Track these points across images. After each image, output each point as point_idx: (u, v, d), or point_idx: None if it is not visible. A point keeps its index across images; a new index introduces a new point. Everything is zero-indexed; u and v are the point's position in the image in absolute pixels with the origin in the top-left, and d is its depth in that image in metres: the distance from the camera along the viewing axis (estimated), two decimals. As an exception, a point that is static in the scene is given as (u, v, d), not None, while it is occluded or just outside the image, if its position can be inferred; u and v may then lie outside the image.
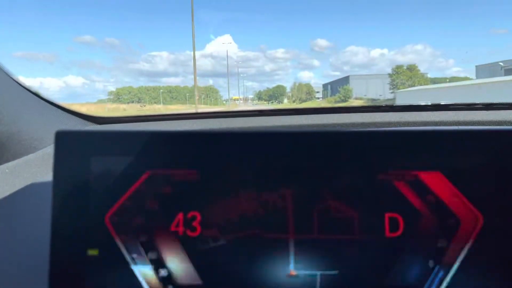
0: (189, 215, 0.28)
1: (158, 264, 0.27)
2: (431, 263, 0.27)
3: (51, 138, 0.50)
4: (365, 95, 40.35)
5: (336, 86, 46.31)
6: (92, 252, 0.27)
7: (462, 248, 0.27)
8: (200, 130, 0.48)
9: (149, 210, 0.28)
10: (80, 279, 0.27)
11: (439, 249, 0.27)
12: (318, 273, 0.27)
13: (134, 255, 0.27)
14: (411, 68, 35.50)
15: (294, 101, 54.77)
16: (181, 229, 0.28)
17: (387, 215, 0.27)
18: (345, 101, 38.17)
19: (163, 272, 0.27)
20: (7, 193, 0.44)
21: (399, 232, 0.27)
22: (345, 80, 43.32)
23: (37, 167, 0.50)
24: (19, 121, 0.54)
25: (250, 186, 0.28)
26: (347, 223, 0.27)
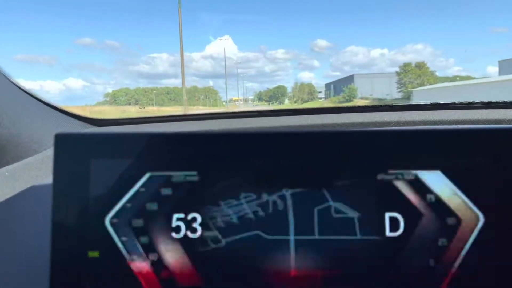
0: (190, 216, 0.28)
1: (159, 265, 0.27)
2: (431, 262, 0.27)
3: (50, 141, 0.50)
4: (370, 95, 38.53)
5: (339, 85, 44.57)
6: (93, 254, 0.27)
7: (462, 247, 0.27)
8: (199, 131, 0.49)
9: (149, 212, 0.28)
10: (80, 281, 0.27)
11: (439, 248, 0.27)
12: (320, 274, 0.27)
13: (135, 257, 0.27)
14: (420, 65, 33.10)
15: (295, 102, 53.05)
16: (181, 230, 0.28)
17: (387, 214, 0.27)
18: (350, 101, 36.16)
19: (163, 274, 0.27)
20: (7, 196, 0.45)
21: (399, 232, 0.27)
22: (350, 79, 41.30)
23: (37, 170, 0.51)
24: (19, 124, 0.54)
25: (250, 187, 0.28)
26: (347, 224, 0.27)
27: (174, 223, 0.28)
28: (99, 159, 0.28)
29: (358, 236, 0.27)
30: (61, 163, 0.28)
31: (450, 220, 0.27)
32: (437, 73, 33.24)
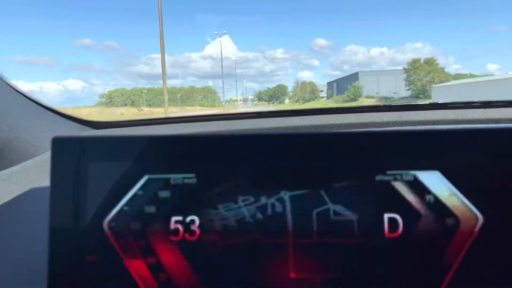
0: (188, 219, 0.28)
1: (157, 269, 0.27)
2: (431, 263, 0.27)
3: (48, 144, 0.51)
4: (377, 93, 36.66)
5: (343, 84, 42.66)
6: (91, 257, 0.27)
7: (462, 248, 0.27)
8: (197, 133, 0.47)
9: (147, 215, 0.28)
10: (79, 285, 0.27)
11: (438, 248, 0.27)
12: (318, 277, 0.27)
13: (133, 260, 0.27)
14: (429, 61, 31.33)
15: (297, 101, 51.11)
16: (179, 233, 0.27)
17: (386, 215, 0.27)
18: (354, 100, 34.41)
19: (162, 277, 0.27)
20: (5, 200, 0.45)
21: (398, 233, 0.27)
22: (354, 77, 39.55)
23: (34, 174, 0.50)
24: (17, 128, 0.54)
25: (249, 190, 0.28)
26: (346, 226, 0.27)
27: (172, 226, 0.28)
28: (96, 162, 0.28)
29: (357, 239, 0.27)
30: (58, 167, 0.28)
31: (449, 221, 0.27)
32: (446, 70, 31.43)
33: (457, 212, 0.27)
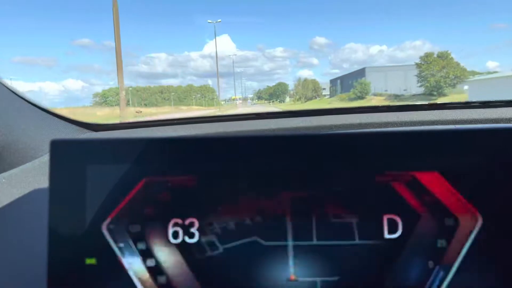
0: (187, 221, 0.28)
1: (157, 271, 0.27)
2: (430, 264, 0.27)
3: (47, 147, 0.48)
4: (385, 90, 34.16)
5: (347, 80, 40.27)
6: (90, 260, 0.27)
7: (461, 248, 0.27)
8: (196, 135, 0.49)
9: (146, 217, 0.28)
10: None
11: (438, 249, 0.27)
12: (318, 279, 0.27)
13: (132, 263, 0.27)
14: (443, 55, 27.84)
15: (299, 99, 48.65)
16: (178, 236, 0.27)
17: (385, 216, 0.27)
18: (362, 98, 32.01)
19: (161, 279, 0.27)
20: (4, 203, 0.45)
21: (397, 234, 0.27)
22: (360, 73, 37.04)
23: (33, 176, 0.50)
24: (15, 131, 0.55)
25: (248, 192, 0.28)
26: (345, 228, 0.27)
27: (172, 228, 0.27)
28: (95, 165, 0.28)
29: (357, 241, 0.27)
30: (57, 170, 0.28)
31: (449, 221, 0.27)
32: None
33: (456, 212, 0.27)
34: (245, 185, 0.28)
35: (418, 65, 28.79)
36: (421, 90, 28.90)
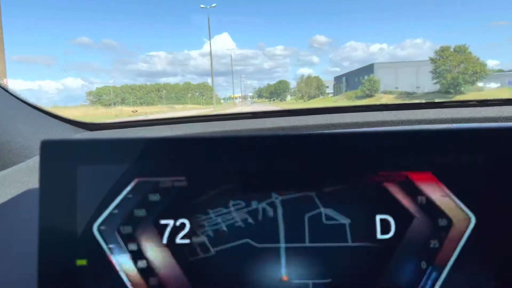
0: (178, 222, 0.27)
1: (148, 272, 0.27)
2: (423, 264, 0.27)
3: None
4: (396, 88, 31.79)
5: (354, 78, 37.82)
6: (81, 262, 0.27)
7: (454, 249, 0.27)
8: (188, 135, 0.48)
9: (137, 218, 0.27)
10: None
11: (431, 250, 0.27)
12: (311, 281, 0.27)
13: (123, 264, 0.27)
14: (461, 50, 25.40)
15: (301, 97, 46.14)
16: (170, 236, 0.27)
17: (378, 217, 0.27)
18: (371, 95, 29.67)
19: (153, 281, 0.27)
20: None
21: (390, 234, 0.27)
22: (368, 69, 34.53)
23: (27, 176, 0.50)
24: (10, 130, 0.54)
25: (240, 194, 0.28)
26: (338, 230, 0.27)
27: (163, 229, 0.27)
28: (86, 165, 0.28)
29: (350, 242, 0.27)
30: (47, 170, 0.28)
31: (442, 222, 0.27)
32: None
33: (450, 213, 0.27)
34: (237, 186, 0.28)
35: (433, 60, 26.28)
36: (436, 87, 26.57)
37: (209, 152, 0.28)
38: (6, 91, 0.57)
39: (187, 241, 0.27)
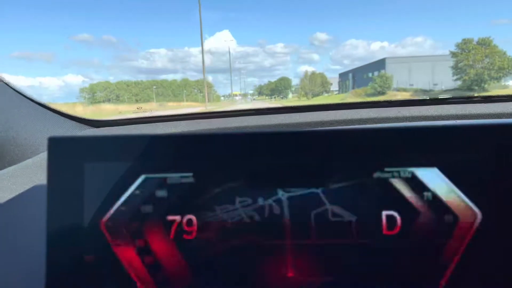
0: (185, 218, 0.28)
1: (155, 268, 0.27)
2: (429, 261, 0.27)
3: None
4: (411, 85, 29.16)
5: (362, 73, 35.15)
6: (88, 258, 0.27)
7: (460, 245, 0.26)
8: (194, 132, 0.48)
9: (144, 214, 0.28)
10: (76, 285, 0.27)
11: (437, 246, 0.27)
12: (317, 279, 0.27)
13: (130, 260, 0.27)
14: (485, 42, 22.58)
15: (305, 95, 43.40)
16: (177, 232, 0.27)
17: (384, 213, 0.27)
18: (382, 93, 27.05)
19: (160, 276, 0.27)
20: (4, 199, 0.45)
21: (396, 230, 0.27)
22: (379, 65, 31.82)
23: (34, 173, 0.51)
24: (15, 127, 0.55)
25: (246, 190, 0.28)
26: (344, 227, 0.27)
27: (170, 226, 0.27)
28: (93, 162, 0.28)
29: (356, 239, 0.27)
30: (55, 167, 0.28)
31: (448, 218, 0.27)
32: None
33: (456, 209, 0.27)
34: (243, 183, 0.28)
35: (454, 54, 23.50)
36: (455, 84, 23.92)
37: (215, 149, 0.28)
38: (12, 88, 0.57)
39: (194, 237, 0.27)
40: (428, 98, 0.77)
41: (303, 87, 42.82)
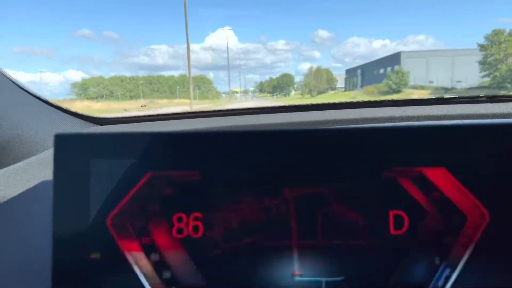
0: (191, 216, 0.27)
1: (161, 266, 0.27)
2: (437, 260, 0.26)
3: (52, 141, 0.47)
4: (430, 82, 26.38)
5: (372, 70, 32.30)
6: (94, 255, 0.27)
7: (468, 245, 0.26)
8: (201, 130, 0.48)
9: (150, 212, 0.27)
10: (82, 283, 0.27)
11: (445, 246, 0.26)
12: (323, 279, 0.27)
13: (136, 258, 0.27)
14: None
15: (310, 92, 40.37)
16: (183, 230, 0.27)
17: (391, 212, 0.27)
18: (398, 91, 24.34)
19: (166, 274, 0.27)
20: (9, 196, 0.45)
21: (403, 230, 0.27)
22: (393, 59, 28.93)
23: (39, 170, 0.51)
24: (20, 124, 0.55)
25: (252, 189, 0.28)
26: (351, 227, 0.27)
27: (176, 223, 0.27)
28: (99, 159, 0.28)
29: (363, 239, 0.27)
30: (61, 164, 0.28)
31: (456, 218, 0.27)
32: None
33: (464, 209, 0.27)
34: (249, 182, 0.27)
35: (483, 47, 20.61)
36: (483, 81, 21.11)
37: (222, 147, 0.28)
38: (17, 85, 0.57)
39: (200, 235, 0.27)
40: (433, 97, 0.76)
41: (307, 83, 39.79)
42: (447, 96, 0.76)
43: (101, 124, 0.70)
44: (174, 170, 0.28)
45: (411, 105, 0.74)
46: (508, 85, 19.64)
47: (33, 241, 0.37)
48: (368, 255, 0.27)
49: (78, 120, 0.67)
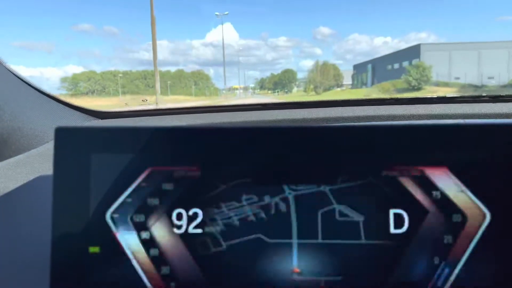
0: (191, 212, 0.27)
1: (160, 261, 0.27)
2: (436, 260, 0.27)
3: (53, 134, 0.46)
4: (457, 78, 23.54)
5: (385, 65, 29.52)
6: (93, 249, 0.27)
7: (468, 245, 0.26)
8: (201, 125, 0.48)
9: (150, 207, 0.27)
10: (81, 277, 0.27)
11: (445, 245, 0.27)
12: (323, 279, 0.27)
13: (136, 252, 0.27)
14: None
15: (314, 89, 37.43)
16: (182, 226, 0.27)
17: (391, 211, 0.27)
18: (418, 88, 21.60)
19: (165, 269, 0.27)
20: (9, 189, 0.45)
21: (404, 229, 0.27)
22: (411, 53, 25.76)
23: (39, 163, 0.50)
24: (21, 117, 0.55)
25: (253, 187, 0.28)
26: (352, 227, 0.27)
27: (175, 219, 0.27)
28: (99, 153, 0.28)
29: (363, 239, 0.27)
30: (61, 157, 0.28)
31: (456, 217, 0.27)
32: None
33: (464, 208, 0.27)
34: (250, 180, 0.28)
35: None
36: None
37: (223, 143, 0.28)
38: (18, 77, 0.57)
39: (199, 231, 0.27)
40: (436, 96, 0.76)
41: (312, 79, 36.88)
42: (449, 95, 0.76)
43: (102, 118, 0.70)
44: (175, 165, 0.28)
45: (414, 104, 0.74)
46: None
47: (32, 234, 0.37)
48: (368, 255, 0.27)
49: (79, 114, 0.67)
